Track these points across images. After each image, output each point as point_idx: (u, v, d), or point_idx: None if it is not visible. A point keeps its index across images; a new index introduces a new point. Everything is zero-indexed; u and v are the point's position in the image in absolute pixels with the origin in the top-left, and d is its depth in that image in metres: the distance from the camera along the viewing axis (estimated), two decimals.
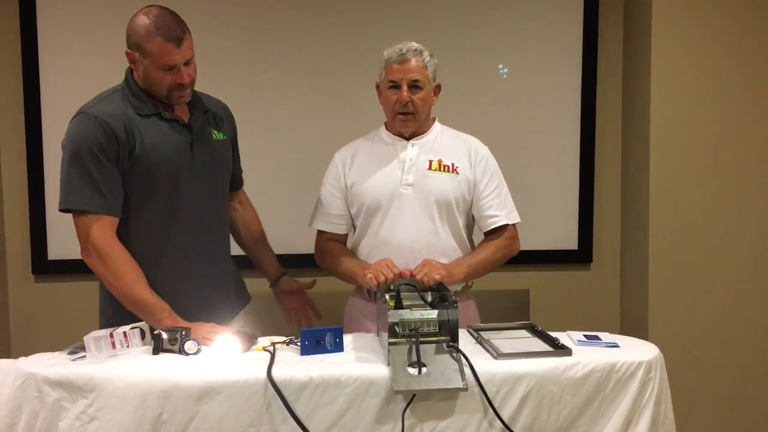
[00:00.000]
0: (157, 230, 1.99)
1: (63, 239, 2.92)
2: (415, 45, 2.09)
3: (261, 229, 2.36)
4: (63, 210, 1.94)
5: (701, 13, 2.86)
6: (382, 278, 1.91)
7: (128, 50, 1.93)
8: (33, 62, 2.88)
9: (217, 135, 2.10)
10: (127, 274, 1.90)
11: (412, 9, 3.01)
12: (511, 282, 3.06)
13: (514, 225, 2.20)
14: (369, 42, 2.96)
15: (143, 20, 1.88)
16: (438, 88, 2.16)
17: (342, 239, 2.27)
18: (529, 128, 3.09)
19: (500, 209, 2.17)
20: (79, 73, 2.90)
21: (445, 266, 2.02)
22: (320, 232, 2.26)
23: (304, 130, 2.95)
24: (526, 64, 3.08)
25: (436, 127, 2.22)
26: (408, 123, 2.12)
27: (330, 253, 2.22)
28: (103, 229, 1.89)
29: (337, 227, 2.24)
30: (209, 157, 2.05)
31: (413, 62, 2.07)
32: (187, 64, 1.92)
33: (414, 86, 2.08)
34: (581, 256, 3.19)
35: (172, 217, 1.99)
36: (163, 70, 1.89)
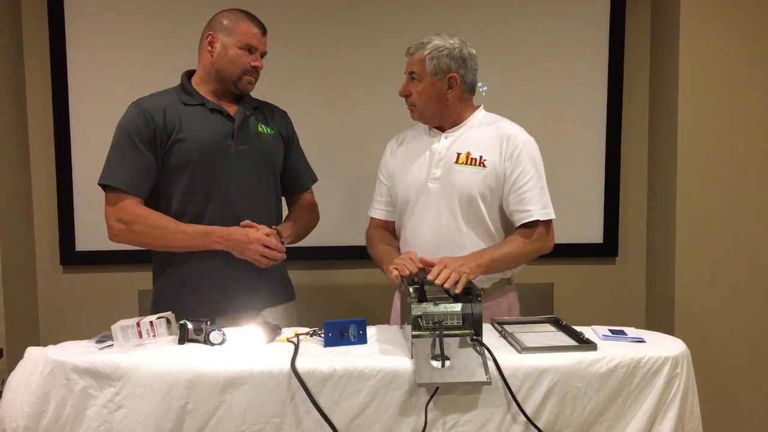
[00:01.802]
0: (192, 212, 2.09)
1: (90, 231, 2.97)
2: (428, 38, 2.10)
3: (299, 218, 2.32)
4: (99, 184, 2.08)
5: (730, 5, 2.81)
6: (406, 272, 1.91)
7: (210, 32, 2.12)
8: (61, 54, 2.92)
9: (263, 128, 2.19)
10: (157, 226, 2.04)
11: (434, 4, 3.00)
12: (535, 276, 3.04)
13: (548, 222, 2.11)
14: (393, 37, 2.96)
15: (233, 11, 2.13)
16: (453, 80, 2.09)
17: (390, 226, 2.28)
18: (554, 122, 3.07)
19: (532, 204, 2.08)
20: (107, 66, 2.93)
21: (467, 260, 1.94)
22: (371, 218, 2.30)
23: (333, 128, 2.96)
24: (552, 58, 3.05)
25: (476, 116, 2.18)
26: (413, 114, 2.16)
27: (371, 240, 2.25)
28: (128, 203, 2.04)
29: (384, 213, 2.27)
30: (251, 146, 2.14)
31: (414, 55, 2.10)
32: (262, 56, 2.16)
33: (412, 78, 2.12)
34: (606, 250, 3.17)
35: (208, 199, 2.09)
36: (244, 50, 2.10)
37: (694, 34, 2.83)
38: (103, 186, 2.07)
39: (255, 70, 2.13)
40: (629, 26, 3.08)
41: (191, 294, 2.09)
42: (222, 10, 2.15)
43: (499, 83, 2.99)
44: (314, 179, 2.42)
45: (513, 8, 3.03)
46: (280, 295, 2.25)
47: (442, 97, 2.11)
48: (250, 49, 2.11)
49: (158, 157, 2.07)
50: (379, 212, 2.28)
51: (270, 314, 2.16)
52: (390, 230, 2.28)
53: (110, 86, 2.93)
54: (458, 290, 1.80)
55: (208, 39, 2.11)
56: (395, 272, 1.91)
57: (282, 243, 2.13)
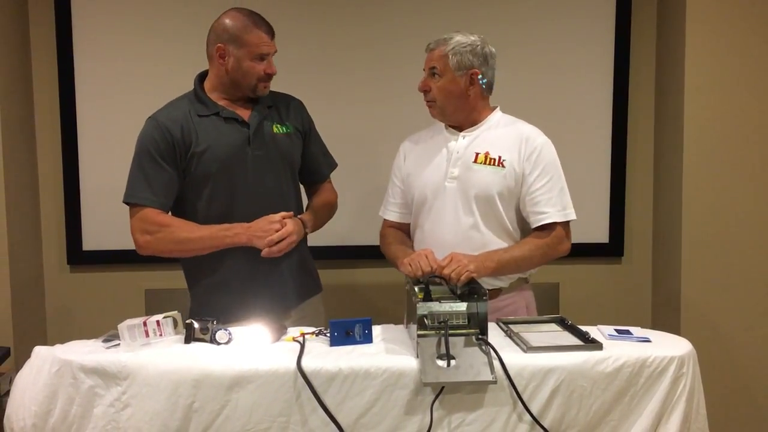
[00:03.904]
0: (217, 221, 2.09)
1: (97, 230, 2.98)
2: (449, 35, 2.09)
3: (319, 211, 2.31)
4: (124, 202, 2.11)
5: (736, 2, 2.80)
6: (419, 272, 1.91)
7: (220, 44, 2.08)
8: (68, 56, 2.93)
9: (278, 129, 2.19)
10: (181, 231, 2.06)
11: (442, 2, 2.99)
12: (541, 275, 3.01)
13: (566, 224, 2.11)
14: (406, 35, 2.97)
15: (237, 16, 2.08)
16: (474, 76, 2.09)
17: (404, 227, 2.28)
18: (560, 120, 3.05)
19: (550, 205, 2.07)
20: (114, 66, 2.94)
21: (475, 259, 1.96)
22: (384, 219, 2.30)
23: (337, 124, 2.96)
24: (557, 56, 3.05)
25: (494, 116, 2.18)
26: (432, 111, 2.14)
27: (386, 239, 2.26)
28: (150, 214, 2.06)
29: (398, 216, 2.26)
30: (268, 151, 2.14)
31: (436, 51, 2.09)
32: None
33: (432, 74, 2.10)
34: (612, 249, 3.16)
35: (231, 208, 2.10)
36: (257, 60, 2.08)
37: (700, 32, 2.82)
38: (128, 203, 2.10)
39: (269, 77, 2.13)
40: (635, 24, 3.07)
41: (219, 301, 2.11)
42: (226, 11, 2.11)
43: (505, 81, 2.94)
44: (333, 166, 2.40)
45: (519, 7, 3.03)
46: (307, 291, 2.27)
47: (463, 93, 2.11)
48: (262, 57, 2.09)
49: (179, 170, 2.09)
50: (392, 214, 2.28)
51: (298, 312, 2.19)
52: (404, 231, 2.29)
53: (117, 85, 2.94)
54: (459, 284, 1.85)
55: (219, 51, 2.08)
56: (409, 268, 1.92)
57: (306, 233, 2.19)
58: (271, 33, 2.11)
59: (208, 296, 2.16)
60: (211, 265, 2.12)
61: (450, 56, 2.07)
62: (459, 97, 2.11)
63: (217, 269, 2.12)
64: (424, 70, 2.13)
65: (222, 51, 2.08)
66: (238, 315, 1.99)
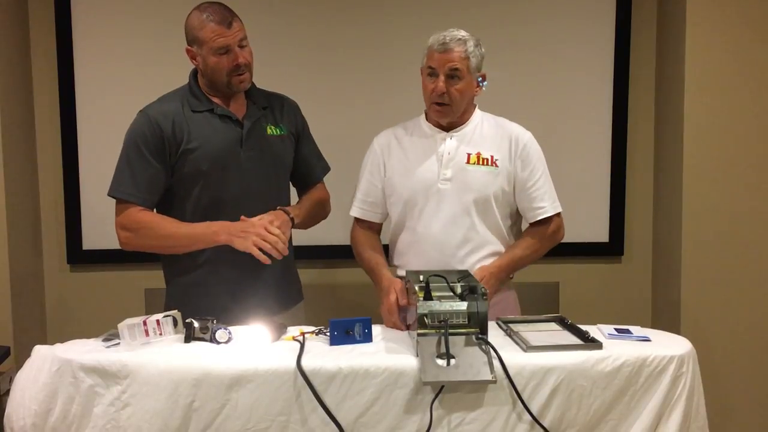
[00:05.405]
0: (204, 220, 2.06)
1: (97, 230, 2.98)
2: (460, 34, 2.03)
3: (310, 205, 2.28)
4: (109, 195, 2.09)
5: (736, 1, 2.80)
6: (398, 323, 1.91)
7: (188, 47, 2.06)
8: (68, 55, 2.93)
9: (272, 130, 2.16)
10: (161, 228, 2.04)
11: (440, 1, 2.99)
12: (540, 274, 3.04)
13: (558, 214, 2.16)
14: (400, 35, 2.97)
15: (195, 14, 2.04)
16: (483, 77, 2.11)
17: (376, 227, 2.26)
18: (560, 118, 3.06)
19: (545, 200, 2.13)
20: (113, 66, 2.94)
21: (497, 278, 2.06)
22: (356, 219, 2.25)
23: (330, 124, 2.96)
24: (558, 56, 3.05)
25: (477, 116, 2.17)
26: (443, 114, 2.08)
27: (358, 246, 2.21)
28: (132, 211, 2.04)
29: (372, 215, 2.22)
30: (261, 152, 2.12)
31: (455, 52, 2.01)
32: (241, 47, 2.04)
33: (452, 76, 2.02)
34: (612, 248, 3.16)
35: (218, 208, 2.07)
36: (219, 54, 2.01)
37: (700, 32, 2.82)
38: (112, 197, 2.08)
39: (239, 68, 2.03)
40: (635, 24, 3.07)
41: (195, 303, 2.06)
42: (188, 15, 2.06)
43: (505, 82, 2.98)
44: (326, 169, 2.37)
45: (519, 6, 3.03)
46: (288, 301, 2.24)
47: (471, 95, 2.10)
48: (225, 50, 2.01)
49: (167, 166, 2.05)
50: (366, 213, 2.22)
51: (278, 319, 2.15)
52: (376, 231, 2.26)
53: (117, 85, 2.94)
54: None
55: (189, 54, 2.07)
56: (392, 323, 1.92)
57: (292, 220, 2.11)
58: (226, 22, 2.00)
59: (184, 296, 2.11)
60: (190, 264, 2.10)
61: (471, 58, 2.03)
62: (469, 100, 2.11)
63: (195, 269, 2.10)
64: (431, 67, 2.04)
65: (191, 53, 2.07)
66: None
